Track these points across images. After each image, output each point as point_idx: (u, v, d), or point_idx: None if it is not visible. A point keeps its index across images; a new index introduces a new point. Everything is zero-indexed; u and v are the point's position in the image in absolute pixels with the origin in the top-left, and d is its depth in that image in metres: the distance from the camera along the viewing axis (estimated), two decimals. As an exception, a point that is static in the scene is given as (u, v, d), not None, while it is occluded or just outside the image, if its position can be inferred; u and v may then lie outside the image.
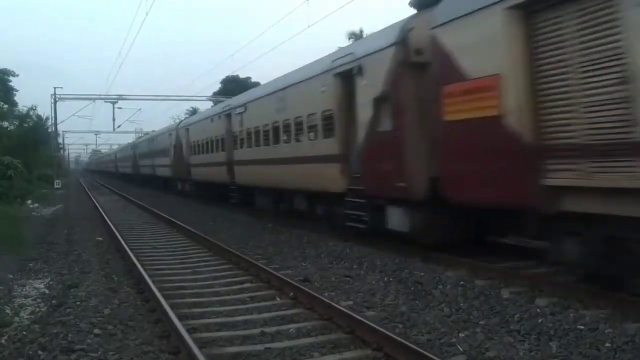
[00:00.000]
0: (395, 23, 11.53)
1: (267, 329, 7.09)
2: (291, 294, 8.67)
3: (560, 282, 8.41)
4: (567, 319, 7.02)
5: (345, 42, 41.93)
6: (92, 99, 48.48)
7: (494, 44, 8.38)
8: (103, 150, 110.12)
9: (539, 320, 7.08)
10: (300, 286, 8.81)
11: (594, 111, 7.04)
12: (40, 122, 47.77)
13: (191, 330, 6.89)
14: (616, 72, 6.73)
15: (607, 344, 6.20)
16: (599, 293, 7.67)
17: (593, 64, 7.04)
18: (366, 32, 39.20)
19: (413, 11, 12.19)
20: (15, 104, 45.63)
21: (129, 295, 9.17)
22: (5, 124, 36.53)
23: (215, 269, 11.24)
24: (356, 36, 42.75)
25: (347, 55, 13.19)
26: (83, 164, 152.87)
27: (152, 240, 15.69)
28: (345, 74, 12.95)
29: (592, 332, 6.57)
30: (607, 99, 6.88)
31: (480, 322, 7.25)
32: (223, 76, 63.69)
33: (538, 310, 7.45)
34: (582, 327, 6.73)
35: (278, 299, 8.73)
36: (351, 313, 7.19)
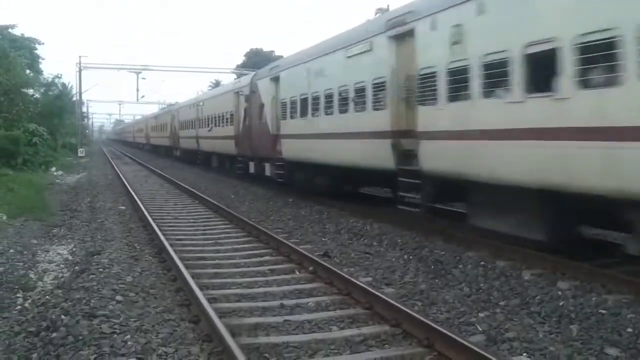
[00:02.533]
0: (251, 73, 25.98)
1: (287, 302, 7.15)
2: (310, 268, 8.71)
3: (583, 266, 8.32)
4: (589, 302, 6.96)
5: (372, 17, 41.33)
6: (117, 68, 48.85)
7: (266, 91, 20.27)
8: (126, 120, 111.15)
9: (560, 303, 7.03)
10: (320, 261, 8.83)
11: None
12: (65, 90, 48.09)
13: (211, 300, 6.95)
14: None
15: (629, 329, 6.14)
16: (622, 278, 7.60)
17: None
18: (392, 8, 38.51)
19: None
20: (40, 72, 45.98)
21: (151, 264, 9.29)
22: (31, 91, 36.78)
23: (235, 241, 11.31)
24: (384, 12, 42.08)
25: (237, 82, 27.08)
26: (107, 133, 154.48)
27: (174, 210, 15.83)
28: (237, 92, 24.97)
29: (614, 316, 6.51)
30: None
31: (500, 303, 7.22)
32: (247, 49, 63.60)
33: (559, 293, 7.39)
34: (604, 311, 6.68)
35: (297, 272, 8.78)
36: (370, 289, 7.18)
